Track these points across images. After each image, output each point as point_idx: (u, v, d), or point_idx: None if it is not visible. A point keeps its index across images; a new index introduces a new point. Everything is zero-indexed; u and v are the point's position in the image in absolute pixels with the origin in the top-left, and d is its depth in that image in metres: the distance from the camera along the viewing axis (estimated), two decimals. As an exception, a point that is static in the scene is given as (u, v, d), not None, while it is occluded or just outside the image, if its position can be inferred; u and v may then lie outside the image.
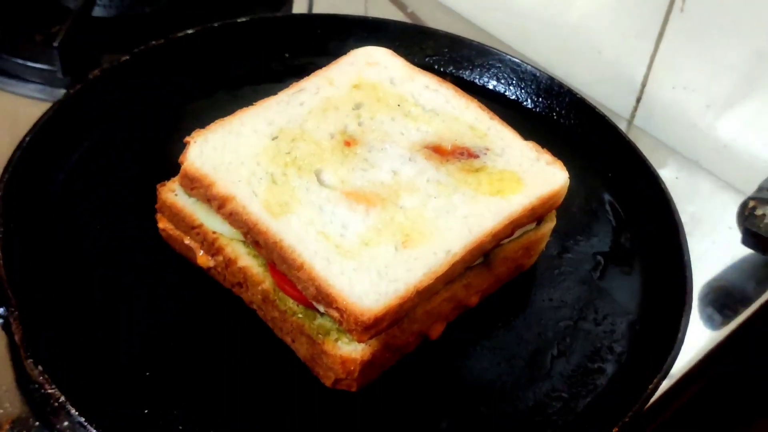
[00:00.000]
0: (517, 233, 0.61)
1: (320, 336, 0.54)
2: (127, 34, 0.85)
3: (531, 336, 0.61)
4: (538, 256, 0.66)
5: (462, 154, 0.61)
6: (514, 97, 0.81)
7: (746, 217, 0.71)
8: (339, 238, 0.55)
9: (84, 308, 0.58)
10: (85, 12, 0.82)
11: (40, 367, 0.51)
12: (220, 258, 0.59)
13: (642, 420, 0.63)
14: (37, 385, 0.52)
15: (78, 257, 0.61)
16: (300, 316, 0.55)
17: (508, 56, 0.81)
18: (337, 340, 0.54)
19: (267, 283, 0.57)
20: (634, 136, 0.78)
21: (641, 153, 0.73)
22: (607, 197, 0.73)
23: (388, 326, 0.53)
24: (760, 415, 0.77)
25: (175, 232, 0.61)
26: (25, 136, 0.64)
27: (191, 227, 0.60)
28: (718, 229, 0.76)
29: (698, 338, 0.68)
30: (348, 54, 0.68)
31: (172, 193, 0.61)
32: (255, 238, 0.55)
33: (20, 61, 0.80)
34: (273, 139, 0.60)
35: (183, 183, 0.59)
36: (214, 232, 0.59)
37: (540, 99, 0.80)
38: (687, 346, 0.59)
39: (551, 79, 0.80)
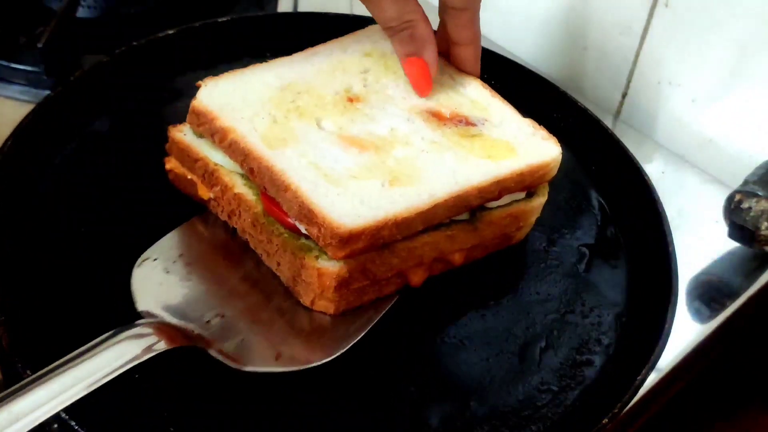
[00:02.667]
0: (505, 199, 0.63)
1: (302, 252, 0.57)
2: (112, 35, 0.85)
3: (519, 330, 0.61)
4: (528, 231, 0.67)
5: (460, 121, 0.64)
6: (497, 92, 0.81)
7: (732, 210, 0.71)
8: (328, 169, 0.58)
9: (73, 312, 0.58)
10: (69, 13, 0.82)
11: (28, 372, 0.51)
12: (218, 188, 0.62)
13: (631, 414, 0.64)
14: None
15: (63, 259, 0.61)
16: (285, 236, 0.58)
17: (491, 51, 0.81)
18: (317, 257, 0.56)
19: (258, 208, 0.60)
20: (620, 131, 0.79)
21: (624, 146, 0.73)
22: (591, 191, 0.73)
23: (365, 248, 0.55)
24: (748, 408, 0.77)
25: (180, 170, 0.65)
26: (7, 139, 0.64)
27: (195, 161, 0.63)
28: (705, 223, 0.76)
29: (686, 332, 0.68)
30: (366, 28, 0.71)
31: (181, 133, 0.64)
32: (250, 165, 0.58)
33: (3, 63, 0.79)
34: (280, 90, 0.63)
35: (190, 120, 0.62)
36: (215, 164, 0.62)
37: (522, 93, 0.80)
38: (675, 340, 0.59)
39: (534, 73, 0.80)
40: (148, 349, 0.52)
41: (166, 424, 0.52)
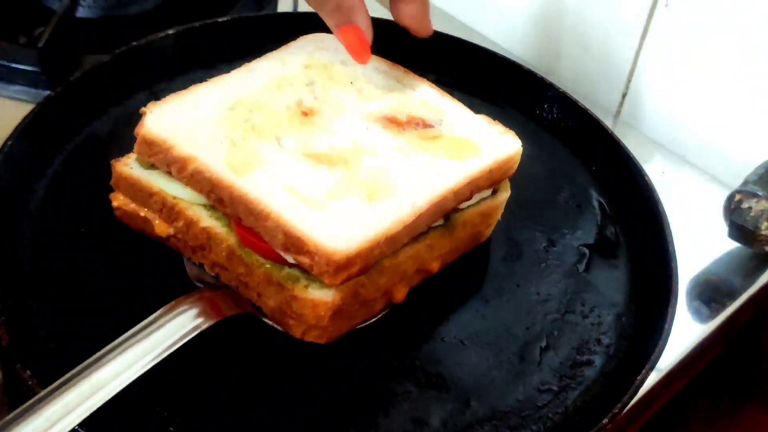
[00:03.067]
0: (475, 198, 0.62)
1: (290, 282, 0.55)
2: (112, 35, 0.85)
3: (519, 330, 0.61)
4: (493, 227, 0.67)
5: (417, 124, 0.63)
6: (496, 92, 0.81)
7: (732, 210, 0.71)
8: (305, 191, 0.55)
9: (72, 311, 0.58)
10: (69, 13, 0.81)
11: (28, 372, 0.51)
12: (180, 223, 0.59)
13: (631, 414, 0.64)
14: (25, 389, 0.51)
15: (63, 260, 0.61)
16: (267, 266, 0.56)
17: (490, 51, 0.81)
18: (307, 286, 0.54)
19: (231, 240, 0.57)
20: (620, 132, 0.78)
21: (624, 146, 0.73)
22: (592, 191, 0.73)
23: (359, 272, 0.54)
24: (749, 408, 0.77)
25: (131, 207, 0.61)
26: (7, 139, 0.64)
27: (149, 196, 0.60)
28: (705, 223, 0.76)
29: (686, 332, 0.68)
30: (297, 39, 0.69)
31: (127, 167, 0.61)
32: (219, 195, 0.55)
33: (3, 63, 0.79)
34: (230, 109, 0.61)
35: (140, 150, 0.59)
36: (174, 198, 0.59)
37: (522, 93, 0.80)
38: (675, 340, 0.59)
39: (533, 73, 0.80)
40: (205, 318, 0.54)
41: (166, 424, 0.53)
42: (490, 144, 0.63)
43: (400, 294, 0.60)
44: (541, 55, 0.93)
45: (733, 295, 0.72)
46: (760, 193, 0.70)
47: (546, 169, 0.75)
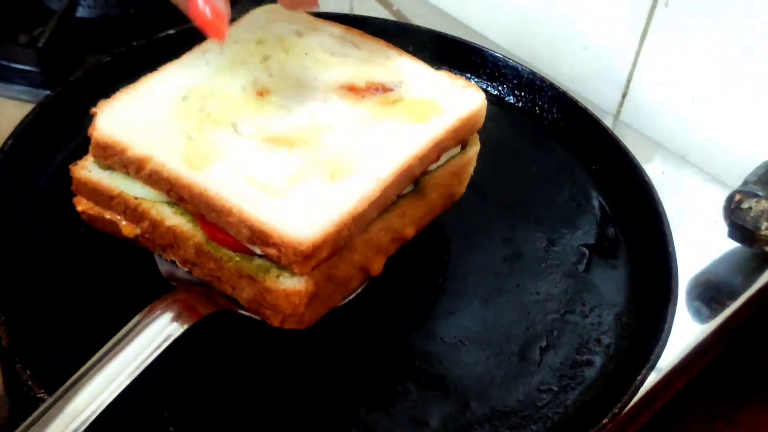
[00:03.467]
0: (443, 158, 0.61)
1: (261, 274, 0.53)
2: (112, 35, 0.85)
3: (519, 330, 0.61)
4: (467, 184, 0.66)
5: (377, 89, 0.61)
6: (496, 92, 0.81)
7: (732, 210, 0.71)
8: (265, 180, 0.54)
9: (72, 311, 0.58)
10: (69, 13, 0.81)
11: (28, 372, 0.51)
12: (146, 223, 0.58)
13: (631, 414, 0.64)
14: (26, 389, 0.51)
15: (63, 260, 0.61)
16: (237, 260, 0.54)
17: (490, 51, 0.81)
18: (278, 276, 0.53)
19: (198, 236, 0.56)
20: (620, 132, 0.79)
21: (624, 146, 0.73)
22: (591, 191, 0.73)
23: (328, 256, 0.53)
24: (748, 408, 0.77)
25: (95, 210, 0.60)
26: (7, 139, 0.64)
27: (110, 198, 0.58)
28: (705, 223, 0.76)
29: (686, 332, 0.68)
30: (248, 13, 0.67)
31: (86, 170, 0.59)
32: (179, 193, 0.54)
33: (3, 63, 0.79)
34: (183, 99, 0.59)
35: (96, 153, 0.57)
36: (136, 198, 0.57)
37: (522, 93, 0.81)
38: (675, 340, 0.59)
39: (533, 73, 0.80)
40: (181, 321, 0.53)
41: (166, 423, 0.53)
42: (453, 101, 0.61)
43: (377, 266, 0.59)
44: (541, 55, 0.93)
45: (733, 295, 0.72)
46: (760, 193, 0.69)
47: (546, 169, 0.75)
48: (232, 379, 0.56)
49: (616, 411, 0.53)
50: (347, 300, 0.59)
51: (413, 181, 0.59)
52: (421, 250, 0.65)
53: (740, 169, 0.74)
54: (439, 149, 0.59)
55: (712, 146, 0.83)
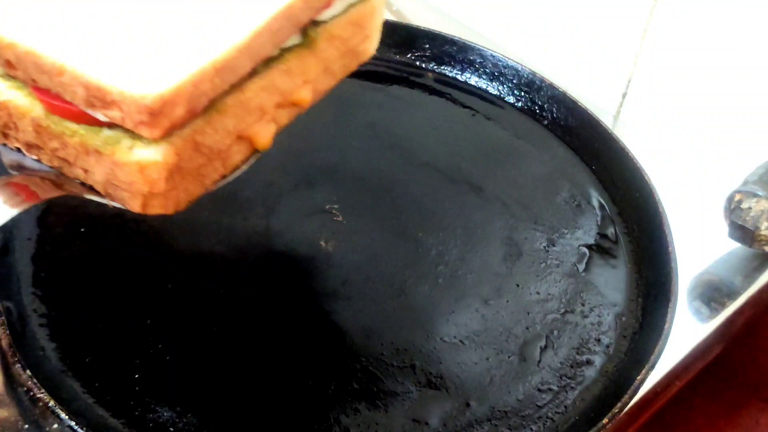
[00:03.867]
0: (339, 5, 0.52)
1: (109, 147, 0.44)
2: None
3: (519, 330, 0.61)
4: (377, 40, 0.57)
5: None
6: (495, 92, 0.81)
7: (732, 210, 0.71)
8: (100, 27, 0.45)
9: (72, 311, 0.58)
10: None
11: (28, 372, 0.51)
12: None
13: (631, 414, 0.64)
14: (25, 389, 0.51)
15: (64, 260, 0.61)
16: (82, 133, 0.45)
17: (489, 51, 0.81)
18: (131, 147, 0.44)
19: (36, 110, 0.47)
20: (620, 132, 0.78)
21: (624, 146, 0.73)
22: (591, 191, 0.73)
23: (188, 115, 0.43)
24: (748, 408, 0.77)
25: None
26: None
27: None
28: (705, 223, 0.76)
29: (686, 332, 0.68)
30: None
31: None
32: (4, 56, 0.45)
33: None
34: None
35: None
36: None
37: (521, 93, 0.81)
38: (675, 340, 0.59)
39: (533, 73, 0.80)
40: (12, 204, 0.45)
41: (167, 423, 0.53)
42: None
43: (263, 137, 0.49)
44: (541, 55, 0.93)
45: (733, 295, 0.72)
46: (760, 193, 0.69)
47: (546, 169, 0.75)
48: (230, 379, 0.56)
49: (616, 411, 0.53)
50: (229, 179, 0.50)
51: (300, 29, 0.49)
52: (421, 249, 0.65)
53: (740, 169, 0.74)
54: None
55: (712, 146, 0.83)
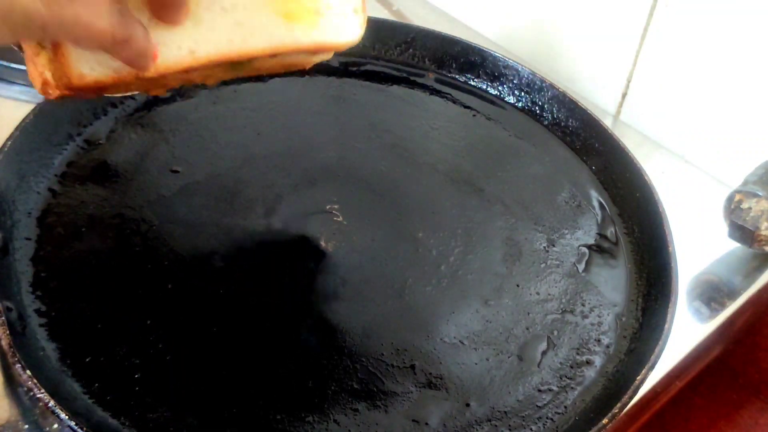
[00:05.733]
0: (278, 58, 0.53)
1: None
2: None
3: (519, 330, 0.61)
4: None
5: None
6: (495, 92, 0.81)
7: (732, 210, 0.71)
8: None
9: (73, 311, 0.58)
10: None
11: (28, 372, 0.51)
12: None
13: (631, 414, 0.64)
14: (25, 389, 0.51)
15: (64, 260, 0.61)
16: None
17: (489, 51, 0.81)
18: None
19: None
20: (620, 132, 0.79)
21: (624, 146, 0.73)
22: (591, 191, 0.73)
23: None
24: (748, 408, 0.77)
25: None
26: (7, 139, 0.64)
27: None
28: (705, 223, 0.76)
29: (686, 332, 0.68)
30: None
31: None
32: None
33: (3, 63, 0.79)
34: None
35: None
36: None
37: (522, 93, 0.81)
38: (675, 340, 0.59)
39: (533, 73, 0.80)
40: None
41: (167, 423, 0.53)
42: (332, 21, 0.52)
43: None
44: (541, 55, 0.93)
45: (733, 295, 0.72)
46: (760, 193, 0.69)
47: (546, 169, 0.75)
48: (230, 379, 0.56)
49: (616, 411, 0.53)
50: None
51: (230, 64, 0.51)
52: (421, 249, 0.65)
53: (740, 169, 0.74)
54: (278, 54, 0.51)
55: (712, 146, 0.83)
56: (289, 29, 0.50)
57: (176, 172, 0.68)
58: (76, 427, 0.49)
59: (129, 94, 0.52)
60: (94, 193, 0.66)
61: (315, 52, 0.53)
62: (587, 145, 0.76)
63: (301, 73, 0.75)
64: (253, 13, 0.49)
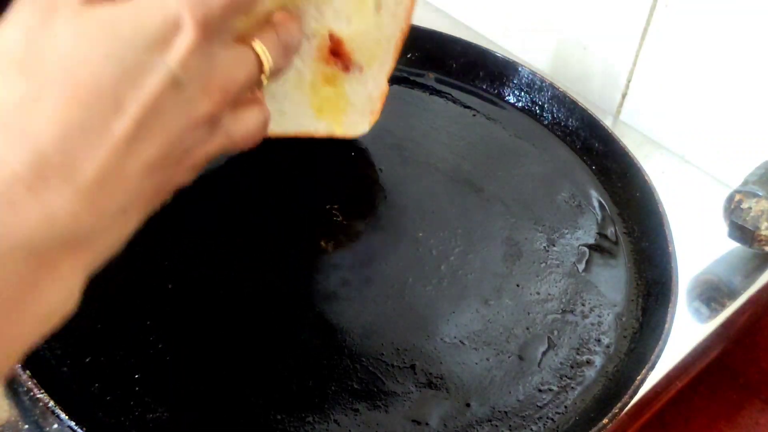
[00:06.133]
0: None
1: None
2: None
3: (519, 330, 0.61)
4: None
5: (336, 63, 0.55)
6: (495, 92, 0.81)
7: (732, 210, 0.71)
8: None
9: (74, 311, 0.58)
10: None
11: (28, 372, 0.51)
12: None
13: (631, 414, 0.64)
14: (25, 389, 0.51)
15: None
16: None
17: (490, 51, 0.82)
18: None
19: None
20: (620, 132, 0.79)
21: (624, 146, 0.73)
22: (591, 191, 0.73)
23: None
24: (748, 408, 0.77)
25: None
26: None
27: None
28: (705, 223, 0.76)
29: (686, 332, 0.68)
30: None
31: None
32: None
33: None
34: None
35: None
36: None
37: (522, 93, 0.81)
38: (675, 340, 0.59)
39: (533, 73, 0.80)
40: None
41: (166, 423, 0.53)
42: (352, 117, 0.58)
43: None
44: (541, 55, 0.93)
45: (733, 295, 0.72)
46: (760, 193, 0.70)
47: (546, 169, 0.75)
48: (230, 379, 0.56)
49: (616, 411, 0.53)
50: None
51: None
52: (421, 249, 0.65)
53: (740, 169, 0.74)
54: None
55: (712, 146, 0.83)
56: (316, 120, 0.55)
57: (176, 172, 0.68)
58: (76, 427, 0.49)
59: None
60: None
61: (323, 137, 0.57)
62: (587, 145, 0.76)
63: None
64: (296, 105, 0.52)
